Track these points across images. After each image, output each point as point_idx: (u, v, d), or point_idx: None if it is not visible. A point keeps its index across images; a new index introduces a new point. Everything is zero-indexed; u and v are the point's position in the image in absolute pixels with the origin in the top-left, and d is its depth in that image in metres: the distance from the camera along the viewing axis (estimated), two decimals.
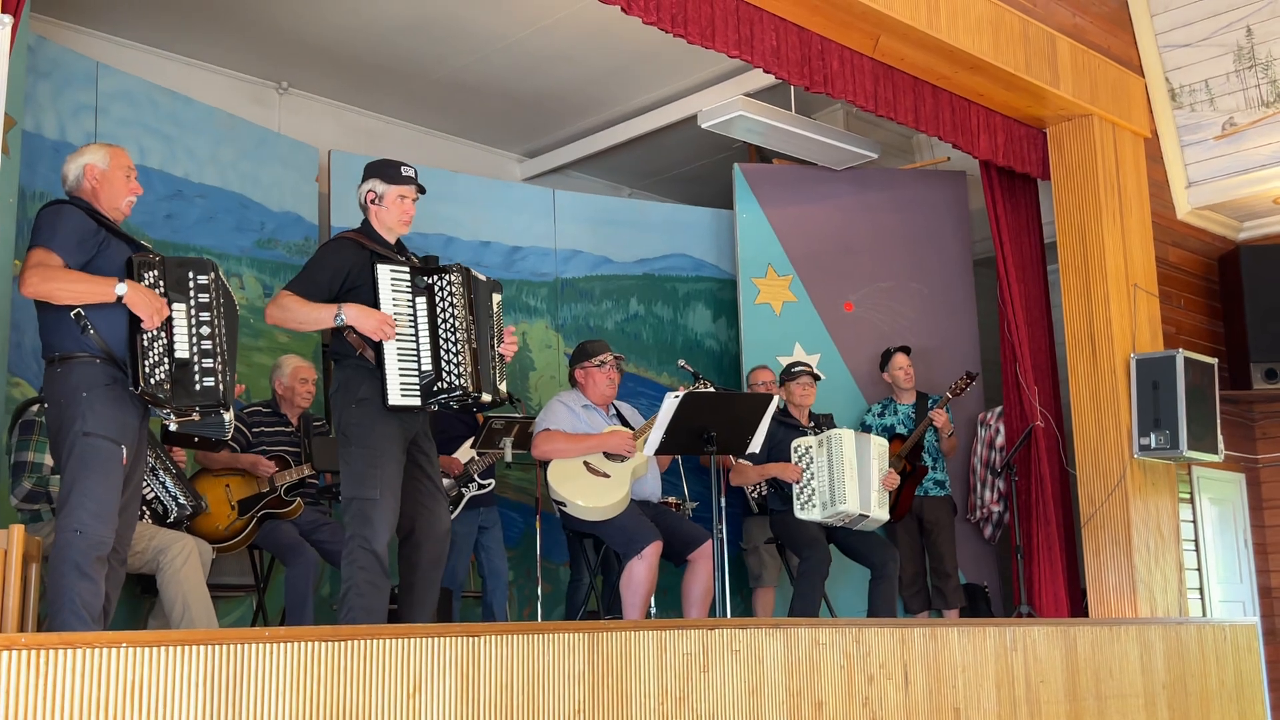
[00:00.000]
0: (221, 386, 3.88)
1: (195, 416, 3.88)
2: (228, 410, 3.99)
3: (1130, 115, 7.16)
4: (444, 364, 4.17)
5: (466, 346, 4.21)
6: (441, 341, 4.19)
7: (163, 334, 3.79)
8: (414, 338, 4.19)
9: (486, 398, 4.26)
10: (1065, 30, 6.81)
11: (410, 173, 4.41)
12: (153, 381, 3.74)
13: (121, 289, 3.72)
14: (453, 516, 6.08)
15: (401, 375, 4.13)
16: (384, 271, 4.21)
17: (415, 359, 4.17)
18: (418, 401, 4.16)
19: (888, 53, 6.10)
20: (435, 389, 4.16)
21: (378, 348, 4.14)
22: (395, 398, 4.11)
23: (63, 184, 3.99)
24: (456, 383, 4.16)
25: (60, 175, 4.00)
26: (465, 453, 6.17)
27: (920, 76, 6.35)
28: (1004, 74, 6.37)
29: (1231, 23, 7.20)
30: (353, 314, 4.11)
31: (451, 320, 4.22)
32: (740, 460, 6.23)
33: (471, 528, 6.23)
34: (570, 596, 6.47)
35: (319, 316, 4.13)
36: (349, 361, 4.21)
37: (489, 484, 6.22)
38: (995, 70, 6.32)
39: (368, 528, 4.08)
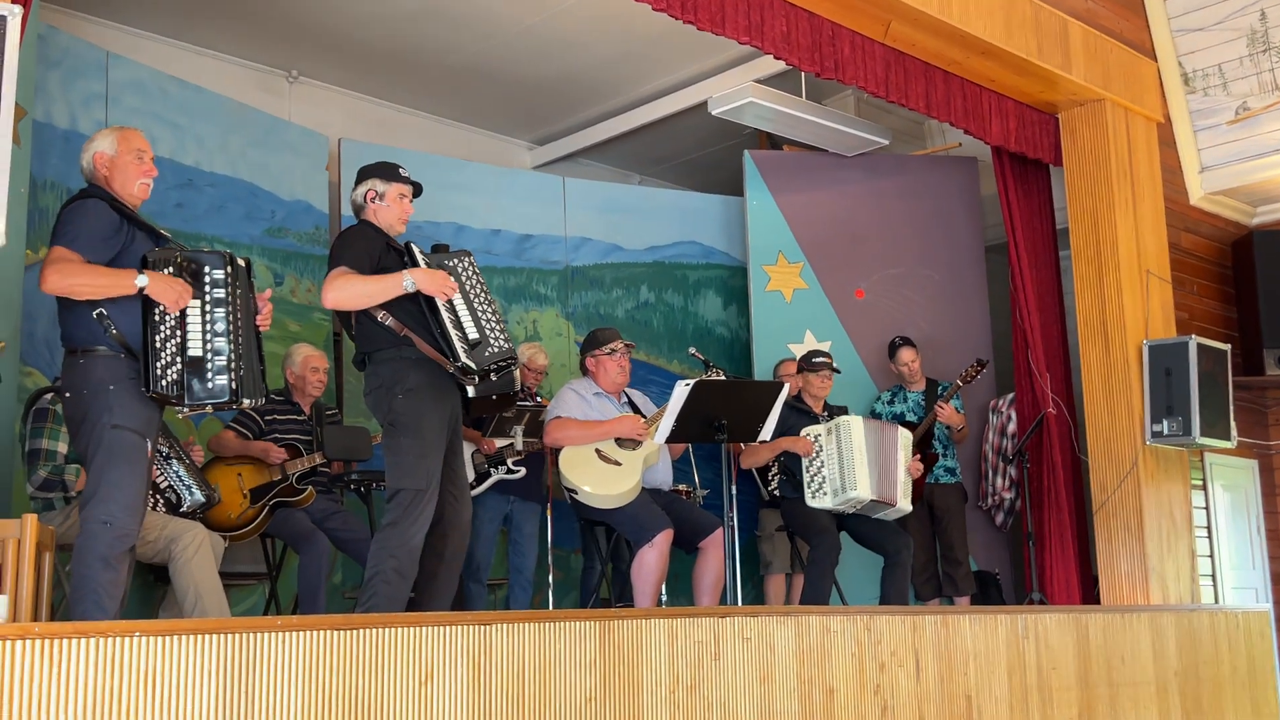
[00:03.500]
0: (235, 383, 3.85)
1: (208, 410, 3.89)
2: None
3: (1143, 100, 7.12)
4: (487, 329, 4.26)
5: (497, 318, 4.33)
6: (478, 311, 4.28)
7: (176, 333, 3.79)
8: (453, 312, 4.24)
9: (517, 373, 4.33)
10: (1077, 15, 6.78)
11: (407, 173, 4.47)
12: (164, 383, 3.74)
13: (142, 280, 3.72)
14: (476, 492, 6.10)
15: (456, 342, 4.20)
16: (416, 252, 4.31)
17: (460, 330, 4.22)
18: (474, 364, 4.20)
19: (899, 38, 6.07)
20: (487, 353, 4.23)
21: (433, 317, 4.17)
22: (463, 357, 4.16)
23: (81, 174, 3.99)
24: (504, 345, 4.26)
25: (77, 165, 3.99)
26: (499, 442, 6.18)
27: (931, 62, 6.32)
28: (1016, 59, 6.34)
29: (1245, 6, 7.16)
30: (419, 277, 4.16)
31: (482, 293, 4.34)
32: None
33: (496, 513, 6.23)
34: (584, 583, 6.47)
35: (386, 286, 4.15)
36: (386, 354, 4.22)
37: (519, 471, 6.22)
38: (1007, 55, 6.29)
39: (409, 518, 4.10)
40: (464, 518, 4.39)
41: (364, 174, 4.45)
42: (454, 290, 4.21)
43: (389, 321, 4.18)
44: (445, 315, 4.19)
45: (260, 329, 4.03)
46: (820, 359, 6.38)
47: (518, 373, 4.38)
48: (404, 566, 4.09)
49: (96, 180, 3.94)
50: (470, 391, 4.31)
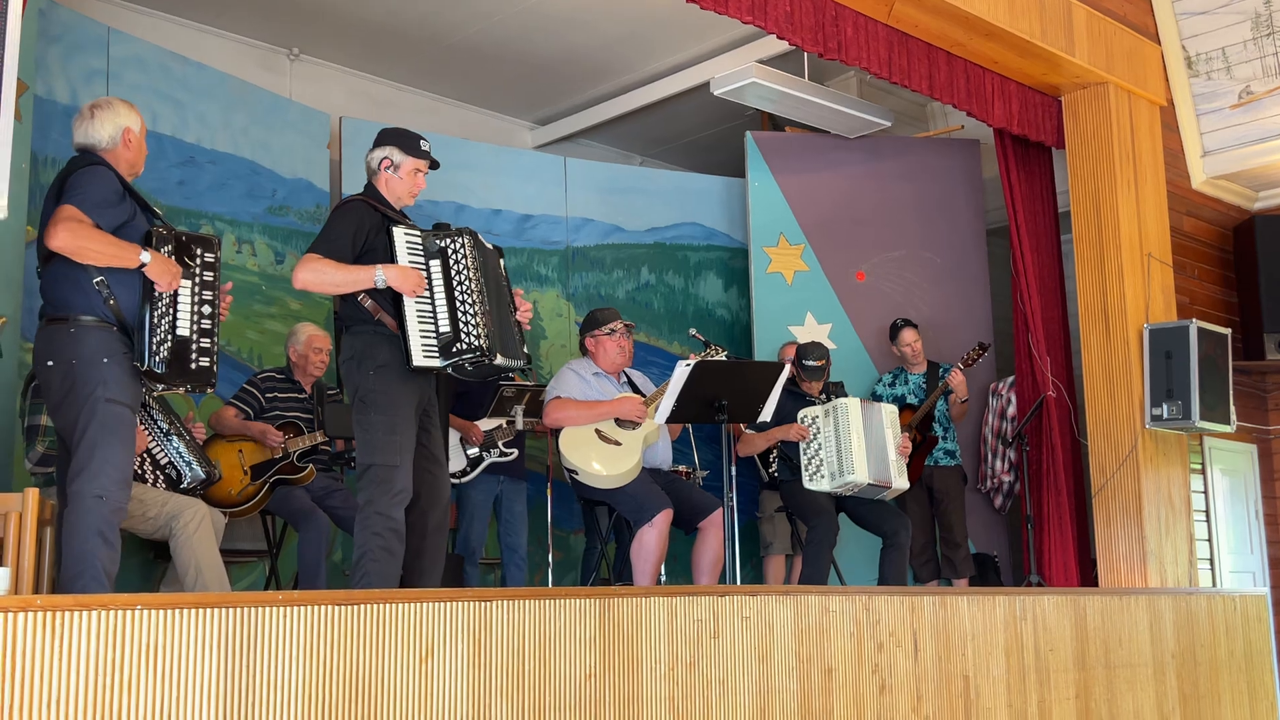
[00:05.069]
0: (215, 367, 3.93)
1: (180, 392, 3.92)
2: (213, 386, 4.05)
3: (1146, 83, 7.10)
4: (461, 324, 4.18)
5: (481, 308, 4.23)
6: (458, 302, 4.20)
7: (170, 310, 3.82)
8: (430, 299, 4.20)
9: (500, 360, 4.25)
10: None
11: (427, 147, 4.42)
12: (157, 359, 3.77)
13: (145, 257, 3.76)
14: (469, 479, 6.10)
15: (422, 336, 4.14)
16: (399, 233, 4.23)
17: (433, 320, 4.18)
18: (438, 362, 4.17)
19: (902, 19, 6.05)
20: (454, 349, 4.17)
21: (398, 312, 4.15)
22: (419, 359, 4.12)
23: (83, 137, 3.93)
24: (475, 343, 4.17)
25: (79, 129, 3.94)
26: (490, 422, 6.18)
27: (935, 43, 6.31)
28: (1019, 41, 6.32)
29: None
30: (392, 274, 4.12)
31: (466, 282, 4.23)
32: (746, 430, 6.23)
33: (488, 495, 6.24)
34: (585, 563, 6.49)
35: (357, 278, 4.12)
36: (364, 328, 4.21)
37: (511, 453, 6.22)
38: (1010, 37, 6.27)
39: (384, 494, 4.09)
40: (443, 494, 4.37)
41: (383, 138, 4.40)
42: (423, 289, 4.16)
43: (367, 304, 4.17)
44: (414, 308, 4.15)
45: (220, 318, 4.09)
46: (814, 363, 6.30)
47: (502, 361, 4.29)
48: (390, 544, 4.08)
49: (113, 153, 3.93)
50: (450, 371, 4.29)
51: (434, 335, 4.17)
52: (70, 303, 3.77)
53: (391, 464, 4.11)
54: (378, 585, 4.02)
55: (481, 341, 4.17)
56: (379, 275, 4.11)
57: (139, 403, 3.86)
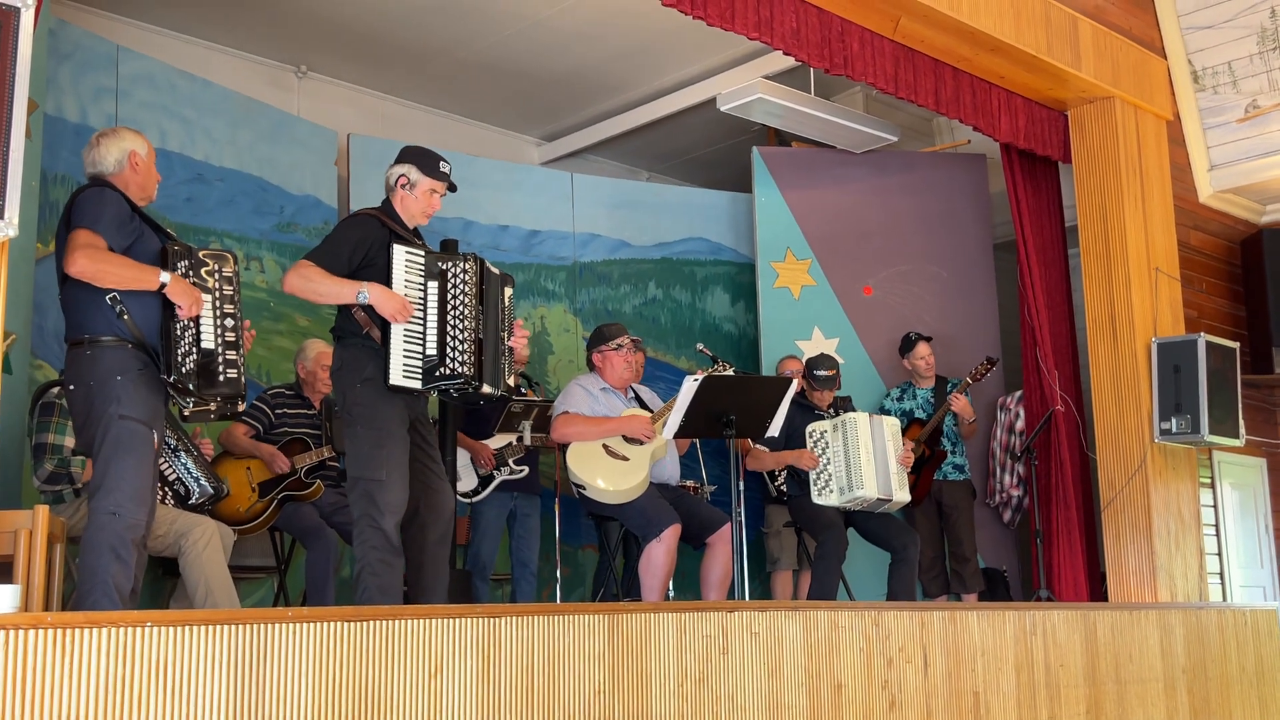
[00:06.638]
0: (244, 378, 3.96)
1: (212, 407, 3.93)
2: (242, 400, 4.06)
3: (1152, 98, 7.11)
4: (449, 349, 4.17)
5: (473, 335, 4.21)
6: (449, 327, 4.19)
7: (192, 324, 3.86)
8: (422, 321, 4.19)
9: (487, 389, 4.24)
10: (1087, 12, 6.77)
11: (447, 169, 4.41)
12: (184, 370, 3.80)
13: (165, 278, 3.79)
14: (482, 498, 6.10)
15: (406, 357, 4.14)
16: (399, 252, 4.22)
17: (421, 342, 4.17)
18: (419, 384, 4.16)
19: (908, 34, 6.06)
20: (437, 374, 4.16)
21: (384, 327, 4.15)
22: (396, 378, 4.12)
23: (91, 166, 3.98)
24: (459, 369, 4.16)
25: (87, 158, 3.99)
26: (500, 439, 6.18)
27: (941, 58, 6.32)
28: (1025, 56, 6.33)
29: (1255, 4, 7.14)
30: (376, 294, 4.11)
31: (461, 308, 4.21)
32: (757, 446, 6.23)
33: (501, 511, 6.25)
34: (598, 577, 6.49)
35: (341, 292, 4.12)
36: (354, 340, 4.22)
37: (522, 470, 6.22)
38: (1016, 52, 6.28)
39: (375, 507, 4.09)
40: (444, 508, 4.35)
41: (404, 156, 4.40)
42: (406, 318, 4.13)
43: (359, 316, 4.18)
44: (402, 327, 4.15)
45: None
46: (825, 373, 6.32)
47: (487, 388, 4.28)
48: (386, 555, 4.08)
49: (119, 177, 3.97)
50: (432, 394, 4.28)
51: (419, 357, 4.16)
52: (86, 324, 3.80)
53: (378, 478, 4.11)
54: (379, 597, 4.02)
55: (466, 369, 4.17)
56: (362, 294, 4.11)
57: (159, 418, 3.86)
